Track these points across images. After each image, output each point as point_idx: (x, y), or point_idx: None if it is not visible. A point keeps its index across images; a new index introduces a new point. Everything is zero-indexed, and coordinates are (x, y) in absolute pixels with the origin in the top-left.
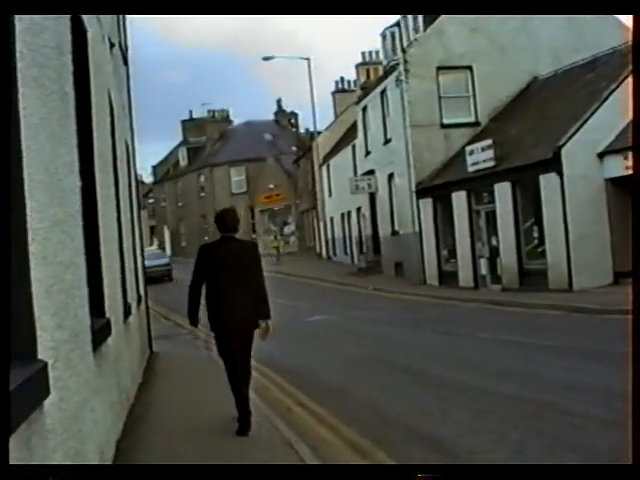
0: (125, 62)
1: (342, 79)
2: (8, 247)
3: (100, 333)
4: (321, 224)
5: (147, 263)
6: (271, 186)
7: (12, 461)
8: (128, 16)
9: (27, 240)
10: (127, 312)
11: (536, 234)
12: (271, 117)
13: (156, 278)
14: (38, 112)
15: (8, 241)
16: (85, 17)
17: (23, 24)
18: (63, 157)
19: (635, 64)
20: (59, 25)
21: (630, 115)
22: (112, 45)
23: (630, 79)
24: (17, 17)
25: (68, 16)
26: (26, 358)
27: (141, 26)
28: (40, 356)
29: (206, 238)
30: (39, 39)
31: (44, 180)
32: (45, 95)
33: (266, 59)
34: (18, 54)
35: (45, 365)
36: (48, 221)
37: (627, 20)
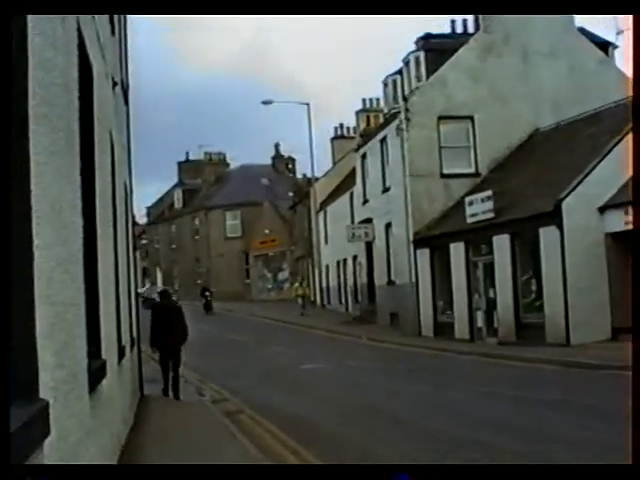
0: (126, 102)
1: (341, 125)
2: (9, 285)
3: (96, 374)
4: (316, 271)
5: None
6: (266, 231)
7: None
8: (129, 53)
9: (33, 278)
10: (121, 354)
11: (534, 287)
12: (268, 161)
13: None
14: (46, 149)
15: (8, 278)
16: (91, 53)
17: (34, 59)
18: (67, 195)
19: (635, 66)
20: (67, 61)
21: None
22: (115, 84)
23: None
24: (30, 51)
25: (76, 52)
26: (29, 396)
27: (140, 64)
28: (41, 395)
29: (199, 281)
30: (49, 76)
31: (49, 218)
32: (53, 133)
33: (265, 103)
34: (30, 91)
35: (47, 404)
36: (53, 260)
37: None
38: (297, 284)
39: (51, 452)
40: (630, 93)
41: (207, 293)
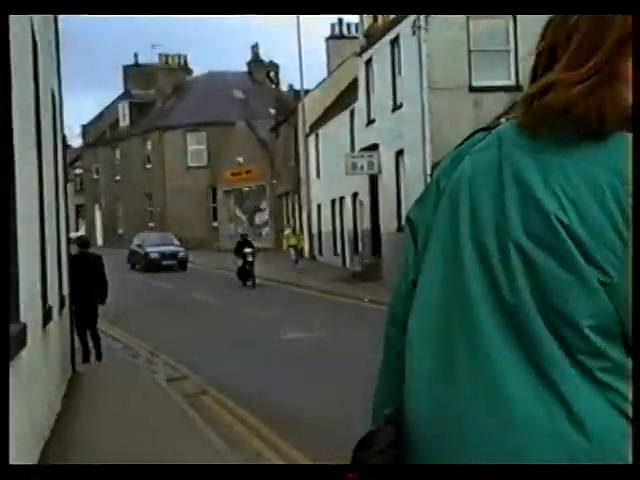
0: None
1: (340, 21)
2: None
3: (13, 342)
4: (304, 213)
5: (157, 250)
6: (240, 159)
7: None
8: None
9: None
10: (47, 317)
11: None
12: (244, 68)
13: (166, 267)
14: None
15: None
16: None
17: None
18: None
19: (636, 66)
20: None
21: None
22: None
23: None
24: None
25: None
26: None
27: None
28: None
29: (151, 224)
30: None
31: None
32: None
33: None
34: None
35: None
36: None
37: None
38: (289, 231)
39: None
40: None
41: (248, 250)
